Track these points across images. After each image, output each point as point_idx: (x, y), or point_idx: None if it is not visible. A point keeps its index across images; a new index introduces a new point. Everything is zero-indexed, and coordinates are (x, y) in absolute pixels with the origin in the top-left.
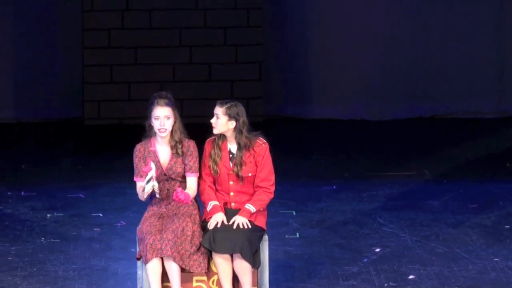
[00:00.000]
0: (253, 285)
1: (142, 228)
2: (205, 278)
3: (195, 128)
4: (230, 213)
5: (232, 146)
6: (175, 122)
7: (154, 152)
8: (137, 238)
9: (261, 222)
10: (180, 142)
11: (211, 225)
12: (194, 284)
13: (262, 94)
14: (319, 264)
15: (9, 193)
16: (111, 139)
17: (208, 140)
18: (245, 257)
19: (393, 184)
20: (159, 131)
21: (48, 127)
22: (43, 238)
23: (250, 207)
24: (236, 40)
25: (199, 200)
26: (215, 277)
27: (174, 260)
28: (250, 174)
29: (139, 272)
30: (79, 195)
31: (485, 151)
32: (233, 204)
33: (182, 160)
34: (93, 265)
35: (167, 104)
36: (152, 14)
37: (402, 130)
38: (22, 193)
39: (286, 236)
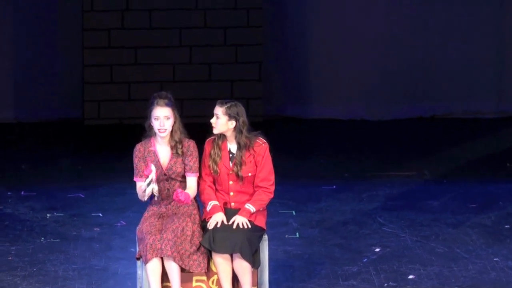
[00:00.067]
0: (253, 285)
1: (142, 228)
2: (205, 278)
3: (195, 128)
4: (230, 213)
5: (232, 146)
6: (175, 122)
7: (154, 152)
8: (137, 238)
9: (261, 222)
10: (180, 142)
11: (211, 225)
12: (194, 284)
13: (262, 94)
14: (319, 264)
15: (9, 193)
16: (111, 139)
17: (208, 140)
18: (245, 257)
19: (393, 184)
20: (159, 132)
21: (48, 127)
22: (43, 238)
23: (250, 207)
24: (236, 40)
25: (199, 200)
26: (215, 277)
27: (174, 260)
28: (250, 174)
29: (139, 272)
30: (79, 195)
31: (485, 151)
32: (233, 204)
33: (182, 160)
34: (93, 265)
35: (166, 105)
36: (152, 14)
37: (402, 130)
38: (22, 193)
39: (286, 236)
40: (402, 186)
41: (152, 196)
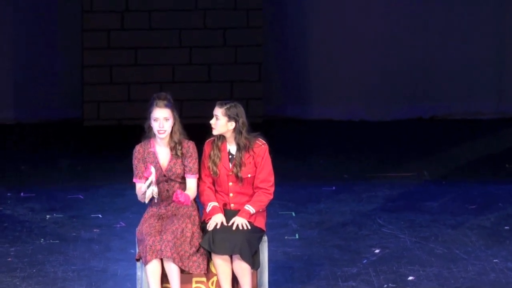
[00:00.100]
0: (253, 286)
1: (141, 229)
2: (204, 279)
3: (195, 129)
4: (229, 214)
5: (232, 147)
6: (174, 124)
7: (154, 153)
8: (136, 239)
9: (261, 223)
10: (180, 143)
11: (210, 226)
12: (194, 285)
13: (261, 94)
14: (319, 265)
15: (8, 194)
16: (110, 140)
17: (207, 141)
18: (244, 258)
19: (392, 185)
20: (158, 133)
21: (48, 128)
22: (42, 239)
23: (250, 208)
24: (235, 41)
25: (198, 201)
26: (215, 278)
27: (174, 261)
28: (249, 175)
29: (138, 273)
30: (78, 196)
31: (484, 152)
32: (232, 205)
33: (182, 161)
34: (92, 266)
35: (166, 106)
36: (152, 15)
37: (402, 131)
38: (22, 194)
39: (286, 237)
40: (401, 187)
41: (152, 198)
